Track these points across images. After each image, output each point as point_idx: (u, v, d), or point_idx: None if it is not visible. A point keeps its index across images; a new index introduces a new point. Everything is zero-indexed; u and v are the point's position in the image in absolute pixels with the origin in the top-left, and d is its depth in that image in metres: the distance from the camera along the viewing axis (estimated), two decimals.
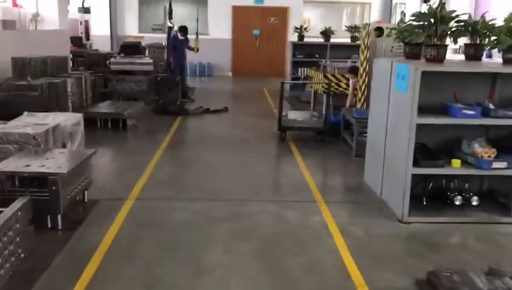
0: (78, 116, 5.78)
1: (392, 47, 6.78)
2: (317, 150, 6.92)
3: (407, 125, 4.16)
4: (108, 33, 17.16)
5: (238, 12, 16.92)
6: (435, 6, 4.13)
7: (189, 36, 11.36)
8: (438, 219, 4.32)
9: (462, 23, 4.20)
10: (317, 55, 13.13)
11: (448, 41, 4.26)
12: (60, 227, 3.87)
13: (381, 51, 6.80)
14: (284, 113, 7.60)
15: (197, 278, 3.29)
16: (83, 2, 17.51)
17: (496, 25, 4.17)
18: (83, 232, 3.94)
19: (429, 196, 4.58)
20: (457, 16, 4.17)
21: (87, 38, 17.31)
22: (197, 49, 11.46)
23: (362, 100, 7.08)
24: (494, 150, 4.24)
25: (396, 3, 17.23)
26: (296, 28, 13.24)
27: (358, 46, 13.63)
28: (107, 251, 3.62)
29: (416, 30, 4.34)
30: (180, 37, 11.03)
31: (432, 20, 4.09)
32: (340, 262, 3.55)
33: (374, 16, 17.46)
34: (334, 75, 8.89)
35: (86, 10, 17.44)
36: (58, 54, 9.90)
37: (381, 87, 4.87)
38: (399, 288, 3.24)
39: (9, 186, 3.78)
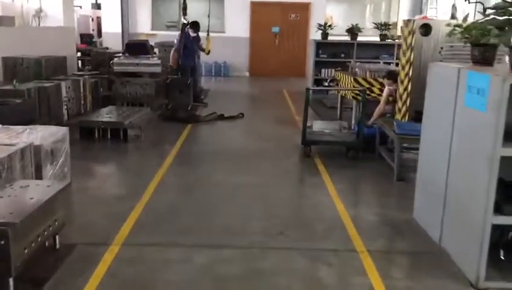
0: (62, 131, 4.76)
1: (441, 48, 5.63)
2: (348, 170, 5.82)
3: (486, 157, 3.03)
4: (120, 30, 16.20)
5: (257, 9, 15.82)
6: None
7: (200, 34, 10.17)
8: None
9: None
10: (342, 55, 11.98)
11: None
12: None
13: (427, 53, 5.66)
14: (308, 124, 6.49)
15: None
16: None
17: None
18: None
19: (509, 246, 3.44)
20: None
21: (99, 35, 16.47)
22: (209, 51, 10.22)
23: (403, 111, 5.94)
24: None
25: None
26: (320, 25, 12.09)
27: (388, 45, 12.71)
28: None
29: (496, 28, 3.21)
30: (191, 34, 9.94)
31: None
32: None
33: (403, 12, 16.20)
34: (365, 79, 7.75)
35: (99, 6, 16.59)
36: (64, 53, 9.04)
37: (441, 101, 3.76)
38: None
39: None
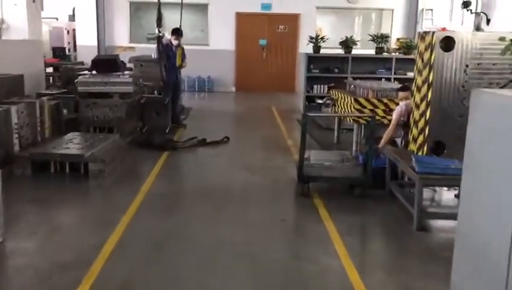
0: None
1: (467, 66, 4.64)
2: (357, 214, 4.77)
3: None
4: (96, 43, 15.06)
5: (243, 20, 14.83)
6: None
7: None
8: None
9: None
10: (336, 70, 11.01)
11: None
12: None
13: (449, 71, 4.65)
14: (305, 155, 5.43)
15: None
16: (74, 8, 15.54)
17: None
18: None
19: None
20: None
21: (75, 49, 15.35)
22: (180, 65, 8.82)
23: (420, 141, 4.91)
24: None
25: (423, 10, 15.10)
26: (311, 38, 11.10)
27: (385, 59, 11.77)
28: None
29: None
30: (173, 41, 8.81)
31: None
32: None
33: (396, 24, 15.35)
34: (368, 100, 6.74)
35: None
36: (28, 69, 7.90)
37: (497, 142, 2.72)
38: None
39: None
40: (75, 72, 8.78)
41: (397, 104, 6.40)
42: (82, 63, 11.78)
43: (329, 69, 11.02)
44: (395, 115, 5.80)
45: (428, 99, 4.75)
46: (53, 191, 5.32)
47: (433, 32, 4.66)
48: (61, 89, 8.82)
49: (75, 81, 7.59)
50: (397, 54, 11.55)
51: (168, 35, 9.04)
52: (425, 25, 14.91)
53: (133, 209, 4.70)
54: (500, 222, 2.67)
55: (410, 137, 5.23)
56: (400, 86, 6.24)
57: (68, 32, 15.00)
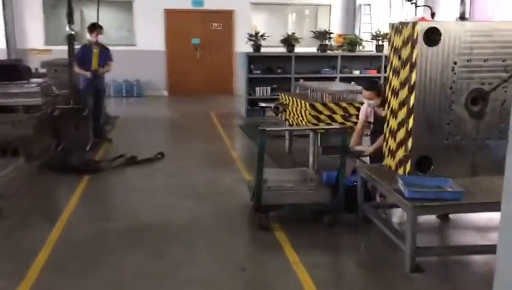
0: None
1: (455, 63, 3.80)
2: (332, 253, 3.81)
3: None
4: (5, 46, 13.17)
5: (172, 17, 13.56)
6: None
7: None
8: None
9: None
10: (279, 70, 10.08)
11: None
12: None
13: (435, 70, 3.80)
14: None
15: None
16: None
17: None
18: None
19: None
20: None
21: None
22: (96, 70, 7.42)
23: (400, 156, 4.02)
24: None
25: (360, 5, 14.60)
26: (251, 36, 10.10)
27: (330, 57, 11.04)
28: None
29: None
30: (92, 38, 7.49)
31: None
32: None
33: (335, 20, 14.74)
34: (325, 104, 5.83)
35: None
36: None
37: None
38: None
39: None
40: None
41: (357, 108, 5.63)
42: None
43: (272, 69, 10.08)
44: (360, 115, 5.22)
45: (411, 105, 3.86)
46: None
47: (414, 23, 3.78)
48: None
49: None
50: (340, 51, 10.86)
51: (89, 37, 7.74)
52: (364, 20, 14.44)
53: (35, 270, 3.43)
54: None
55: (385, 149, 4.34)
56: (363, 84, 5.35)
57: None
